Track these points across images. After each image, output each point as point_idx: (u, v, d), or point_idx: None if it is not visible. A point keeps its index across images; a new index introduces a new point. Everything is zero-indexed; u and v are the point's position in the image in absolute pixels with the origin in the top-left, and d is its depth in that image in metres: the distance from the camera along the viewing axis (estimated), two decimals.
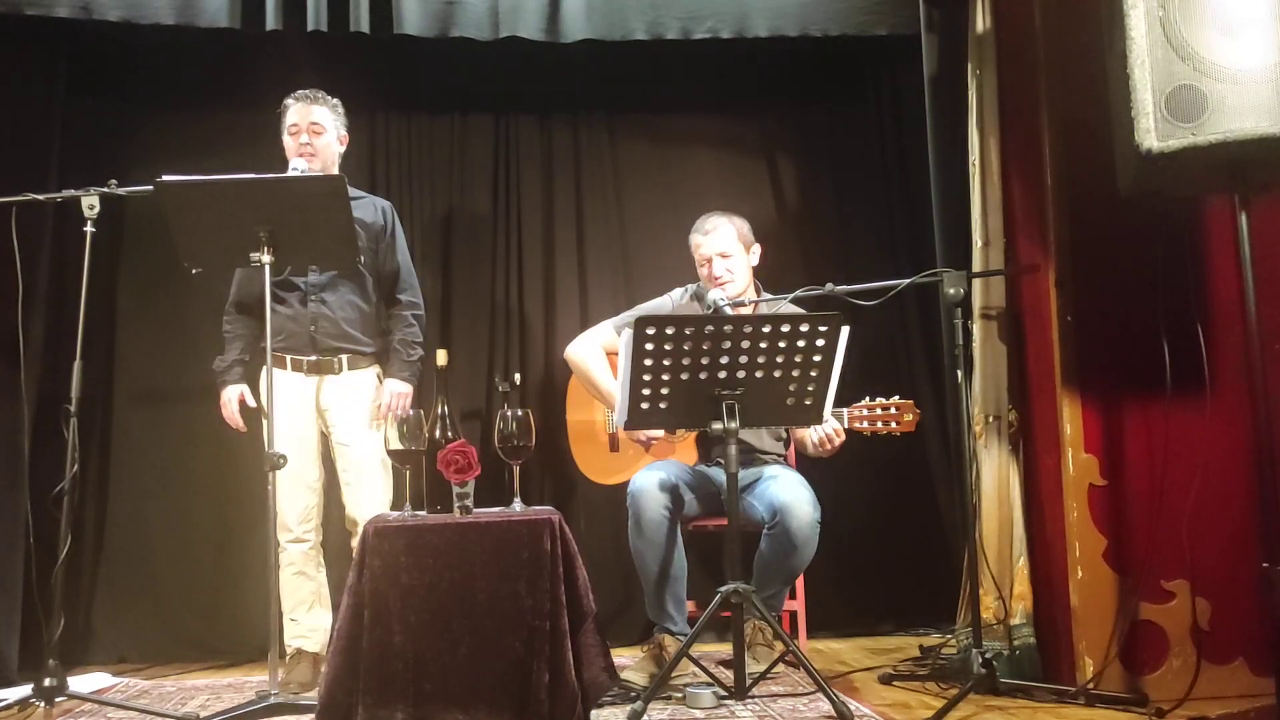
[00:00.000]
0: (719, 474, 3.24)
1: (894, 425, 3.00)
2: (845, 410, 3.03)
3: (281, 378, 3.13)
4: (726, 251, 3.25)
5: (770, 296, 3.26)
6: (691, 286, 3.43)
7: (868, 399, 3.03)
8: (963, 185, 3.21)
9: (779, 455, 3.34)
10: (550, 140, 4.19)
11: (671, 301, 3.41)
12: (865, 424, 3.01)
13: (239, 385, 3.26)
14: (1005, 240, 3.07)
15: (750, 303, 3.19)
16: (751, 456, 3.24)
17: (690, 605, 3.36)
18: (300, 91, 3.27)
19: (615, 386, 3.20)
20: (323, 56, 3.66)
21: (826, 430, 3.00)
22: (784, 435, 3.35)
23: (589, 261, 4.14)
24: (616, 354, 3.28)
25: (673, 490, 3.01)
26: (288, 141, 3.24)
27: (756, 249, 3.34)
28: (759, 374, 2.54)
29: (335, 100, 3.30)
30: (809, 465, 3.42)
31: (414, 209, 4.06)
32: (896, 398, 3.01)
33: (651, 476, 3.02)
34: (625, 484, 3.10)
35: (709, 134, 4.27)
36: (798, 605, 3.42)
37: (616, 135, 4.22)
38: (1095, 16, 2.43)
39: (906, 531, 4.02)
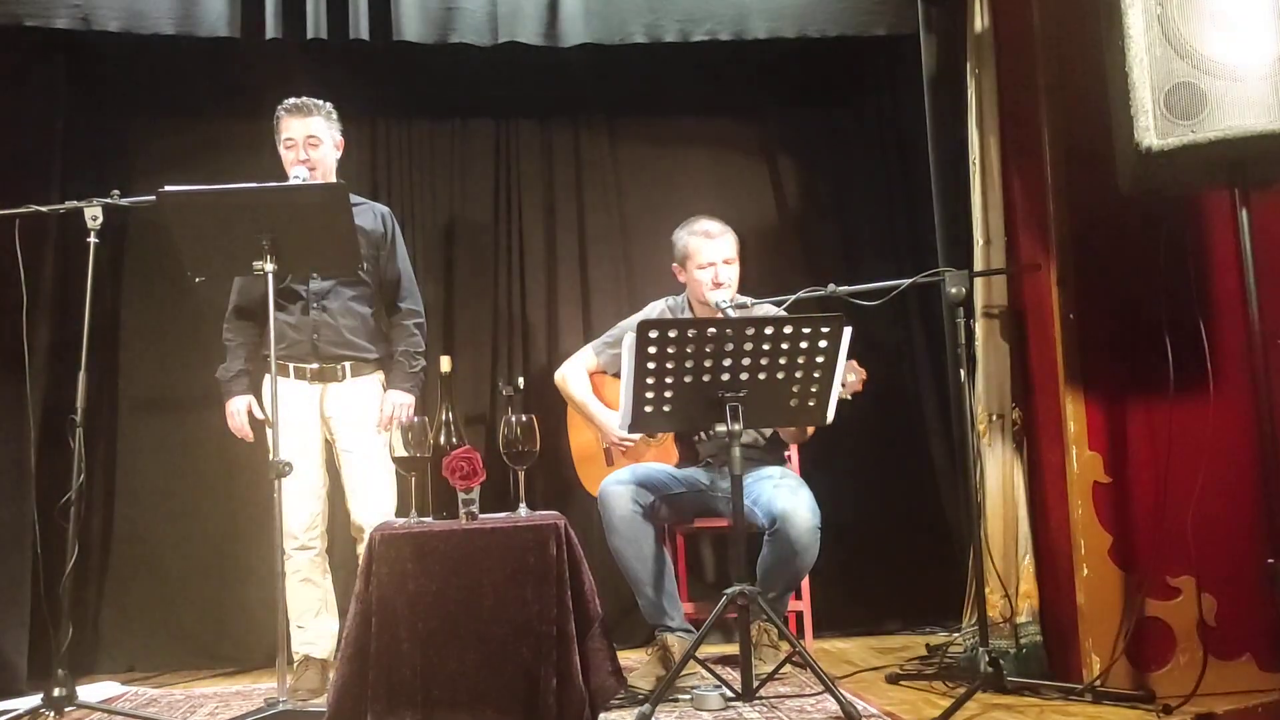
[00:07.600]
0: (703, 474, 3.24)
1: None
2: None
3: (285, 386, 3.13)
4: (730, 258, 3.21)
5: (754, 301, 3.22)
6: (672, 300, 3.38)
7: None
8: (963, 184, 3.22)
9: (764, 451, 3.30)
10: (550, 144, 4.20)
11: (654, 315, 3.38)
12: None
13: (246, 396, 3.26)
14: (1006, 239, 3.07)
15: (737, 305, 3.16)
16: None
17: (692, 607, 3.37)
18: (289, 102, 3.21)
19: (596, 405, 3.33)
20: (322, 64, 3.66)
21: None
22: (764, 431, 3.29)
23: (591, 264, 4.15)
24: (598, 373, 3.40)
25: (639, 486, 3.02)
26: (285, 154, 3.21)
27: None
28: (762, 376, 2.54)
29: (328, 106, 3.26)
30: (812, 466, 3.43)
31: (415, 215, 4.06)
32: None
33: (617, 476, 3.06)
34: None
35: (709, 136, 4.28)
36: (803, 605, 3.42)
37: (617, 138, 4.23)
38: (1094, 15, 2.43)
39: (912, 530, 4.02)
